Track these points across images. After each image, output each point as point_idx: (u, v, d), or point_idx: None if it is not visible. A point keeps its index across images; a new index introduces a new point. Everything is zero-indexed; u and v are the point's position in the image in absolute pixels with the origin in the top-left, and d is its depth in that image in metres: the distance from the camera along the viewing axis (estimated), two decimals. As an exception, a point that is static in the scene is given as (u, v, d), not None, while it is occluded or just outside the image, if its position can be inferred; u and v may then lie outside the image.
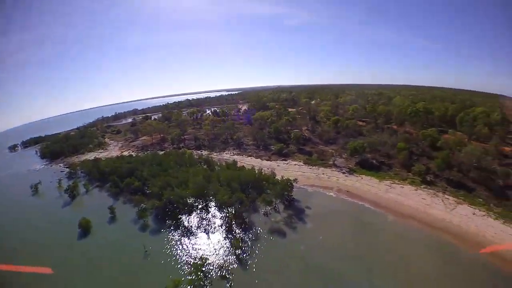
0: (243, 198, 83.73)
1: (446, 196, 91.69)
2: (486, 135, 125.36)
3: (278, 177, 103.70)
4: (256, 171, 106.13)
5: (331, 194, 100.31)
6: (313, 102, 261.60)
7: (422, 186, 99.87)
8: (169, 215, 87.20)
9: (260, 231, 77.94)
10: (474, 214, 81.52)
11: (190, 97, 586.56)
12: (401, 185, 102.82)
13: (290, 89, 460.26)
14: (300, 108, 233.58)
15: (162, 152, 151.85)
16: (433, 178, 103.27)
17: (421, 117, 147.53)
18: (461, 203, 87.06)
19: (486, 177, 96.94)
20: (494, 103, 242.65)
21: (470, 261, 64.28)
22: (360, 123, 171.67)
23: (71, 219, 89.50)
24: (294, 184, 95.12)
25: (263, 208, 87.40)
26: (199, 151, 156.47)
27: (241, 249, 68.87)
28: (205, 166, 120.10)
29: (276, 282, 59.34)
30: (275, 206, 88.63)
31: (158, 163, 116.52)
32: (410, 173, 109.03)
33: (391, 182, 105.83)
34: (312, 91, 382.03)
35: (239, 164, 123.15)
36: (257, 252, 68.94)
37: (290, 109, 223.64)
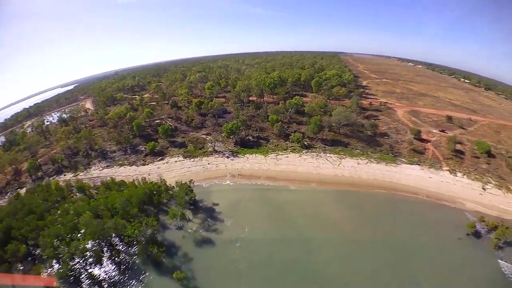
0: (150, 222, 71.58)
1: (329, 155, 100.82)
2: (343, 94, 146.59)
3: (169, 182, 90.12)
4: (142, 183, 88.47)
5: (227, 182, 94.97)
6: (161, 83, 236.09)
7: (304, 151, 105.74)
8: (80, 275, 68.78)
9: (186, 248, 68.21)
10: (358, 164, 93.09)
11: (25, 104, 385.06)
12: (285, 155, 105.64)
13: (131, 73, 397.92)
14: (151, 92, 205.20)
15: (24, 191, 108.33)
16: (309, 142, 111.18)
17: (279, 87, 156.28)
18: (343, 158, 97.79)
19: (355, 131, 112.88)
20: (339, 63, 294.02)
21: (377, 200, 78.43)
22: (221, 99, 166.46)
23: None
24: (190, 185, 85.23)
25: (172, 222, 75.73)
26: (62, 176, 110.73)
27: (185, 278, 58.82)
28: (80, 195, 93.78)
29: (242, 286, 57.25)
30: (184, 216, 77.26)
31: (29, 210, 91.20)
32: (288, 142, 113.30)
33: (275, 154, 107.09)
34: (156, 72, 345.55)
35: (117, 179, 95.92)
36: (201, 271, 61.18)
37: (143, 97, 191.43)
